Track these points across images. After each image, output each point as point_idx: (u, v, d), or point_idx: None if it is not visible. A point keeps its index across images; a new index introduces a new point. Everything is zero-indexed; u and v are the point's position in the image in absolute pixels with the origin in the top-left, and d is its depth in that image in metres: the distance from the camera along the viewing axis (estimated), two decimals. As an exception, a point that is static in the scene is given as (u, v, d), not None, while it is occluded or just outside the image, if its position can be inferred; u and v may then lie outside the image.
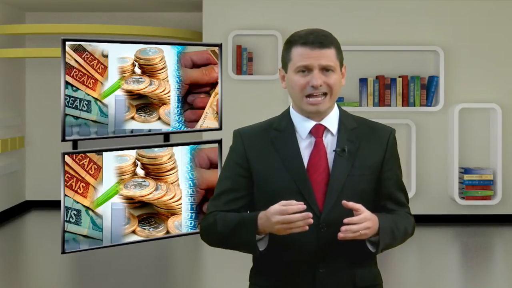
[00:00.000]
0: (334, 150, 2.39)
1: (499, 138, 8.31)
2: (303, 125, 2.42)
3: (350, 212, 2.31)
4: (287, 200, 2.28)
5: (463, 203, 8.30)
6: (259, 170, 2.41)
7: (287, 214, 2.24)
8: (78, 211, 4.49)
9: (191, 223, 4.77)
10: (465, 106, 8.32)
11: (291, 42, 2.40)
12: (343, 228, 2.24)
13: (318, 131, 2.41)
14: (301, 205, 2.24)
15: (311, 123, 2.42)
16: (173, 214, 4.72)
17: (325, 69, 2.37)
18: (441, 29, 8.53)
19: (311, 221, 2.24)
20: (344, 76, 2.47)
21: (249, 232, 2.33)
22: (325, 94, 2.38)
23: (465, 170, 8.31)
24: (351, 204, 2.26)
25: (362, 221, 2.25)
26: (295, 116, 2.44)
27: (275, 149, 2.42)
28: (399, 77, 8.42)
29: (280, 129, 2.44)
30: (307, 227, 2.25)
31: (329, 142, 2.42)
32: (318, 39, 2.36)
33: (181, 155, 4.75)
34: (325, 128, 2.42)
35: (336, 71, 2.39)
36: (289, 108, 2.49)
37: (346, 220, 2.25)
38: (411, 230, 2.47)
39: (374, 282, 2.47)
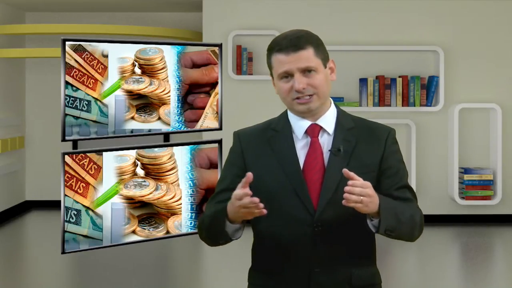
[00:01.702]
0: (329, 150, 2.39)
1: (499, 138, 8.31)
2: (299, 125, 2.43)
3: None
4: (244, 187, 2.27)
5: (463, 203, 8.30)
6: (255, 170, 2.42)
7: (242, 198, 2.24)
8: (78, 211, 4.50)
9: (191, 223, 4.77)
10: (465, 106, 8.32)
11: (270, 50, 2.41)
12: (346, 188, 2.22)
13: (313, 131, 2.42)
14: (249, 175, 2.25)
15: (307, 123, 2.42)
16: (173, 214, 4.72)
17: (306, 71, 2.36)
18: (441, 29, 8.54)
19: (261, 206, 2.24)
20: (334, 71, 2.45)
21: (221, 220, 2.36)
22: (311, 95, 2.37)
23: (465, 170, 8.31)
24: (352, 174, 2.24)
25: (364, 187, 2.24)
26: (292, 117, 2.45)
27: (271, 149, 2.43)
28: (399, 77, 8.42)
29: (277, 129, 2.46)
30: (264, 211, 2.25)
31: (326, 141, 2.42)
32: (292, 42, 2.34)
33: (181, 155, 4.75)
34: (320, 128, 2.42)
35: (319, 70, 2.37)
36: (287, 109, 2.49)
37: (349, 183, 2.23)
38: (420, 220, 2.42)
39: (371, 282, 2.46)
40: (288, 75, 2.37)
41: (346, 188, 2.23)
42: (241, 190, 2.25)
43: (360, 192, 2.23)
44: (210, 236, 2.46)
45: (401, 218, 2.35)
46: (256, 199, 2.24)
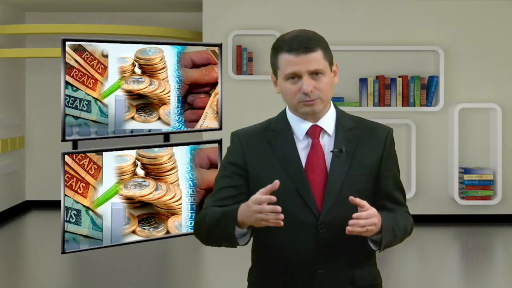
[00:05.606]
0: (331, 151, 2.39)
1: (499, 138, 8.31)
2: (299, 127, 2.41)
3: (349, 212, 2.31)
4: (267, 193, 2.24)
5: (463, 203, 8.30)
6: (257, 171, 2.41)
7: (262, 203, 2.21)
8: (78, 211, 4.49)
9: (191, 223, 4.77)
10: (465, 106, 8.32)
11: (276, 49, 2.36)
12: (351, 222, 2.24)
13: (314, 132, 2.41)
14: (276, 183, 2.21)
15: (307, 124, 2.41)
16: (173, 214, 4.72)
17: (314, 73, 2.33)
18: (441, 29, 8.53)
19: (281, 216, 2.19)
20: (337, 74, 2.43)
21: (230, 222, 2.30)
22: (316, 99, 2.36)
23: (465, 170, 8.31)
24: (358, 200, 2.25)
25: (370, 217, 2.25)
26: (292, 118, 2.43)
27: (273, 151, 2.41)
28: (399, 77, 8.42)
29: (277, 130, 2.43)
30: (281, 223, 2.21)
31: (326, 142, 2.41)
32: (303, 44, 2.31)
33: (181, 155, 4.74)
34: (321, 129, 2.42)
35: (326, 72, 2.35)
36: (285, 109, 2.47)
37: (355, 215, 2.24)
38: (410, 229, 2.48)
39: (373, 282, 2.46)
40: (295, 77, 2.34)
41: (351, 222, 2.24)
42: (264, 196, 2.20)
43: (365, 224, 2.25)
44: (212, 235, 2.39)
45: (397, 233, 2.40)
46: (279, 208, 2.20)
